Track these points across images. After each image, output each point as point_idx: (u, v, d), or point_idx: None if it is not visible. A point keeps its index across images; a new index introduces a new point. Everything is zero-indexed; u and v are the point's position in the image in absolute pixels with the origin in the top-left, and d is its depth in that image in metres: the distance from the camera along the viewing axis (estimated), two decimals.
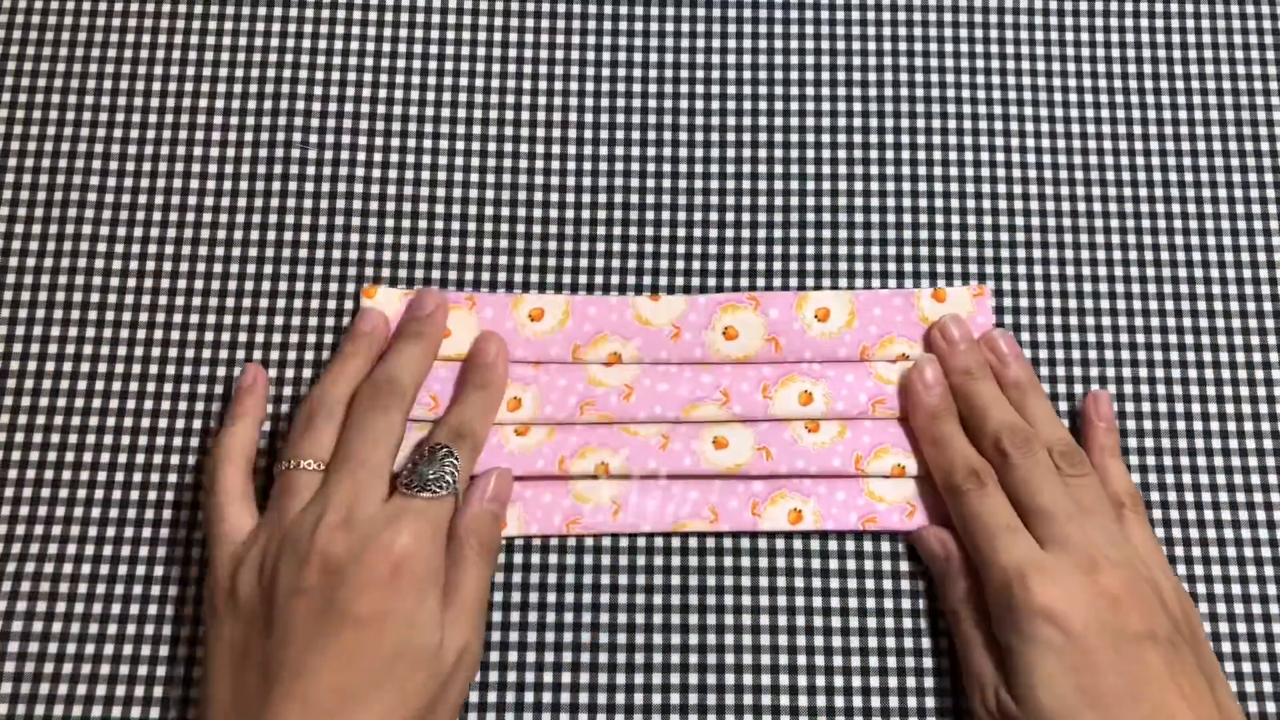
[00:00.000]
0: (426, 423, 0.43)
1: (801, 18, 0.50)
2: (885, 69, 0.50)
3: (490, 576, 0.40)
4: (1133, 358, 0.46)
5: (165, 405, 0.45)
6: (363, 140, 0.48)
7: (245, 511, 0.40)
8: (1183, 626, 0.39)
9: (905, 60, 0.50)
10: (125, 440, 0.44)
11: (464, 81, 0.49)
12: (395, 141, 0.48)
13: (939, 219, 0.48)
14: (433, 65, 0.49)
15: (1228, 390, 0.46)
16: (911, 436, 0.44)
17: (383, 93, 0.49)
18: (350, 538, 0.37)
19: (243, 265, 0.46)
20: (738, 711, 0.42)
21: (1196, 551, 0.44)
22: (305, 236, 0.47)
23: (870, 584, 0.43)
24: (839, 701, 0.42)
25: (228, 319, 0.46)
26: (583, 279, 0.47)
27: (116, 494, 0.44)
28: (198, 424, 0.45)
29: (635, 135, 0.49)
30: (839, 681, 0.42)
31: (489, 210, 0.48)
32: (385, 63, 0.49)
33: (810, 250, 0.47)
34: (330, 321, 0.46)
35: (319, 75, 0.49)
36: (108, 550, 0.43)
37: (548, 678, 0.42)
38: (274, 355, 0.45)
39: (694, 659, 0.42)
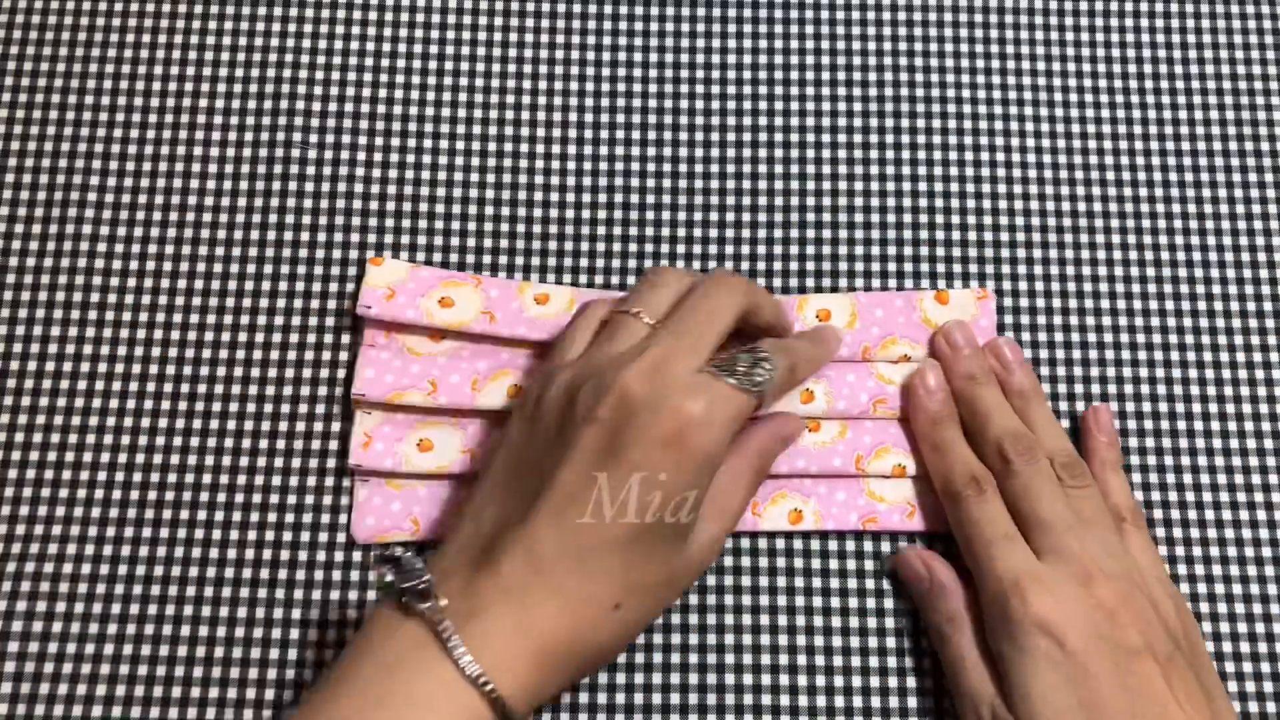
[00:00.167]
0: (426, 410, 0.43)
1: (801, 18, 0.50)
2: (885, 69, 0.50)
3: (748, 502, 0.41)
4: (1133, 359, 0.46)
5: (165, 405, 0.45)
6: (363, 140, 0.48)
7: (584, 342, 0.41)
8: (1181, 641, 0.39)
9: (905, 60, 0.50)
10: (125, 440, 0.44)
11: (464, 81, 0.49)
12: (395, 141, 0.48)
13: (939, 219, 0.48)
14: (433, 65, 0.49)
15: (1228, 391, 0.46)
16: (912, 437, 0.44)
17: (383, 93, 0.49)
18: (652, 386, 0.37)
19: (243, 265, 0.46)
20: (738, 712, 0.42)
21: (1197, 552, 0.44)
22: (305, 236, 0.47)
23: (870, 584, 0.43)
24: (839, 701, 0.42)
25: (228, 319, 0.46)
26: (583, 279, 0.47)
27: (116, 494, 0.44)
28: (197, 424, 0.45)
29: (635, 135, 0.49)
30: (839, 681, 0.42)
31: (489, 210, 0.48)
32: (385, 63, 0.49)
33: (810, 250, 0.47)
34: (330, 321, 0.46)
35: (319, 75, 0.49)
36: (108, 550, 0.43)
37: None
38: (274, 355, 0.45)
39: (694, 659, 0.42)
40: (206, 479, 0.44)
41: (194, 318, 0.46)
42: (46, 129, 0.48)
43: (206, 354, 0.45)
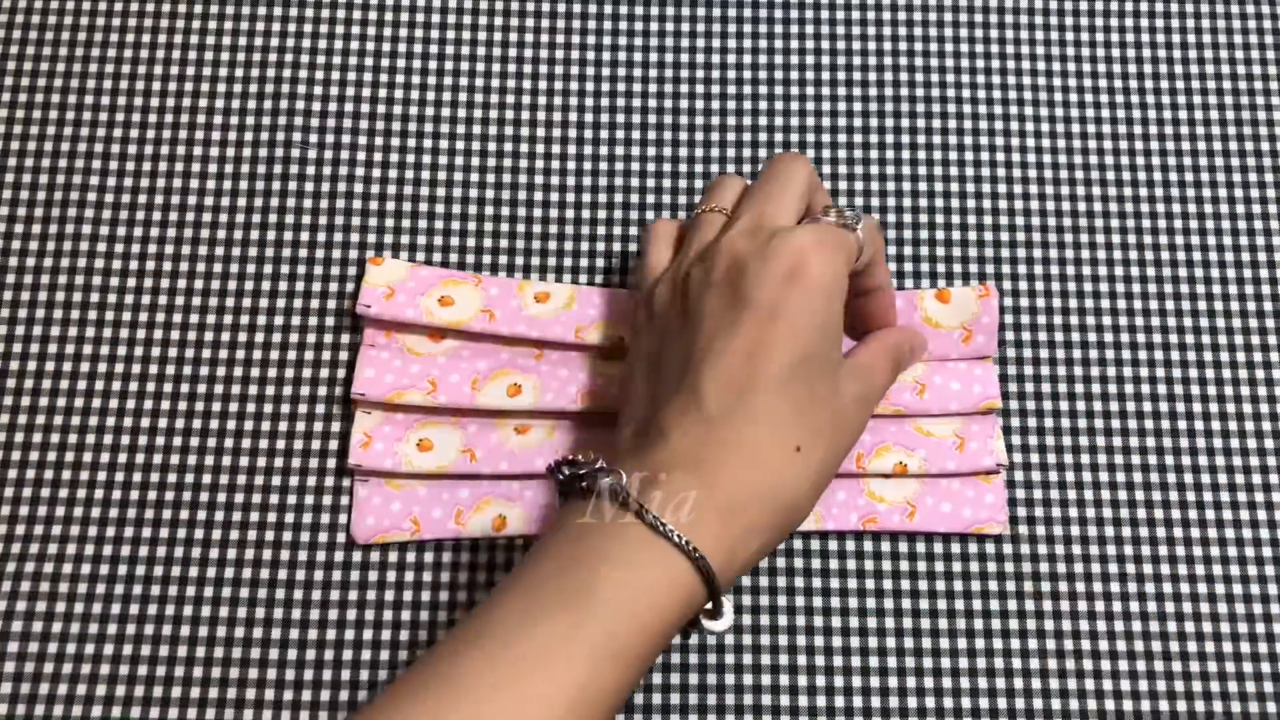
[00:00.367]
0: (425, 410, 0.44)
1: (801, 18, 0.50)
2: (885, 69, 0.50)
3: (888, 381, 0.41)
4: (1133, 358, 0.46)
5: (165, 405, 0.45)
6: (362, 140, 0.48)
7: (666, 255, 0.42)
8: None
9: (905, 60, 0.50)
10: (125, 440, 0.44)
11: (464, 81, 0.49)
12: (395, 141, 0.48)
13: (939, 219, 0.48)
14: (433, 65, 0.49)
15: (1228, 391, 0.46)
16: (912, 435, 0.44)
17: (383, 93, 0.49)
18: (756, 240, 0.38)
19: (242, 265, 0.46)
20: (738, 712, 0.42)
21: (1198, 552, 0.44)
22: (305, 236, 0.47)
23: (870, 584, 0.43)
24: (839, 701, 0.42)
25: (227, 319, 0.46)
26: (583, 279, 0.47)
27: (116, 494, 0.44)
28: (197, 424, 0.45)
29: (635, 135, 0.49)
30: (839, 682, 0.42)
31: (489, 210, 0.48)
32: (385, 63, 0.49)
33: None
34: (330, 321, 0.46)
35: (319, 75, 0.49)
36: (108, 550, 0.43)
37: None
38: (274, 355, 0.45)
39: (694, 659, 0.42)
40: (206, 479, 0.44)
41: (194, 318, 0.46)
42: (46, 129, 0.48)
43: (206, 354, 0.45)
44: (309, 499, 0.44)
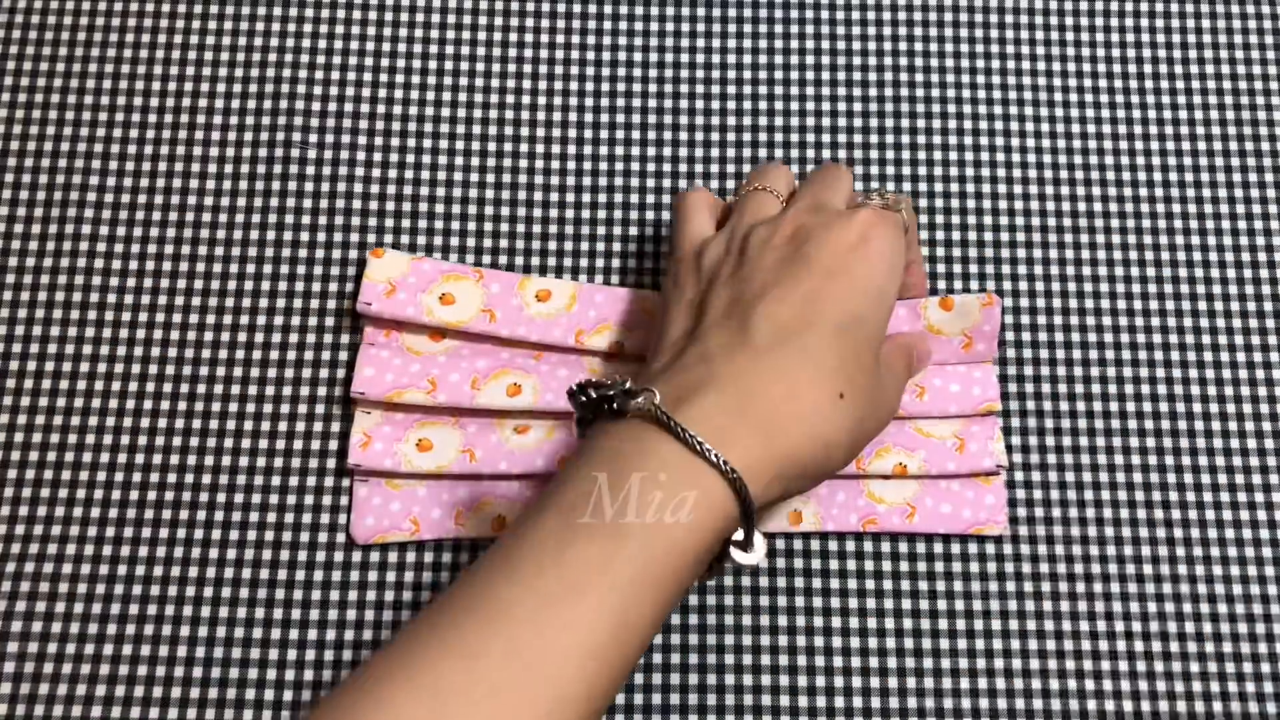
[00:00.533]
0: (425, 409, 0.44)
1: (801, 18, 0.50)
2: (885, 69, 0.50)
3: (905, 379, 0.42)
4: (1133, 358, 0.46)
5: (165, 405, 0.45)
6: (363, 140, 0.48)
7: (709, 223, 0.42)
8: None
9: (905, 60, 0.50)
10: (125, 440, 0.44)
11: (464, 81, 0.49)
12: (395, 141, 0.48)
13: (939, 219, 0.48)
14: (433, 65, 0.49)
15: (1228, 390, 0.46)
16: (912, 436, 0.44)
17: (383, 92, 0.49)
18: (819, 217, 0.38)
19: (242, 265, 0.46)
20: (738, 712, 0.42)
21: (1198, 552, 0.44)
22: (305, 236, 0.47)
23: (870, 584, 0.43)
24: (839, 702, 0.42)
25: (227, 319, 0.46)
26: (583, 279, 0.47)
27: (116, 494, 0.44)
28: (197, 424, 0.45)
29: (635, 135, 0.49)
30: (839, 682, 0.42)
31: (489, 210, 0.48)
32: (385, 63, 0.49)
33: None
34: (330, 321, 0.46)
35: (319, 75, 0.49)
36: (108, 550, 0.43)
37: None
38: (274, 355, 0.45)
39: (694, 659, 0.42)
40: (206, 479, 0.44)
41: (194, 317, 0.46)
42: (46, 129, 0.48)
43: (206, 354, 0.45)
44: (309, 499, 0.44)
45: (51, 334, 0.45)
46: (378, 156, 0.48)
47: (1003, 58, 0.50)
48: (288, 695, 0.42)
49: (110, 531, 0.43)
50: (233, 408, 0.45)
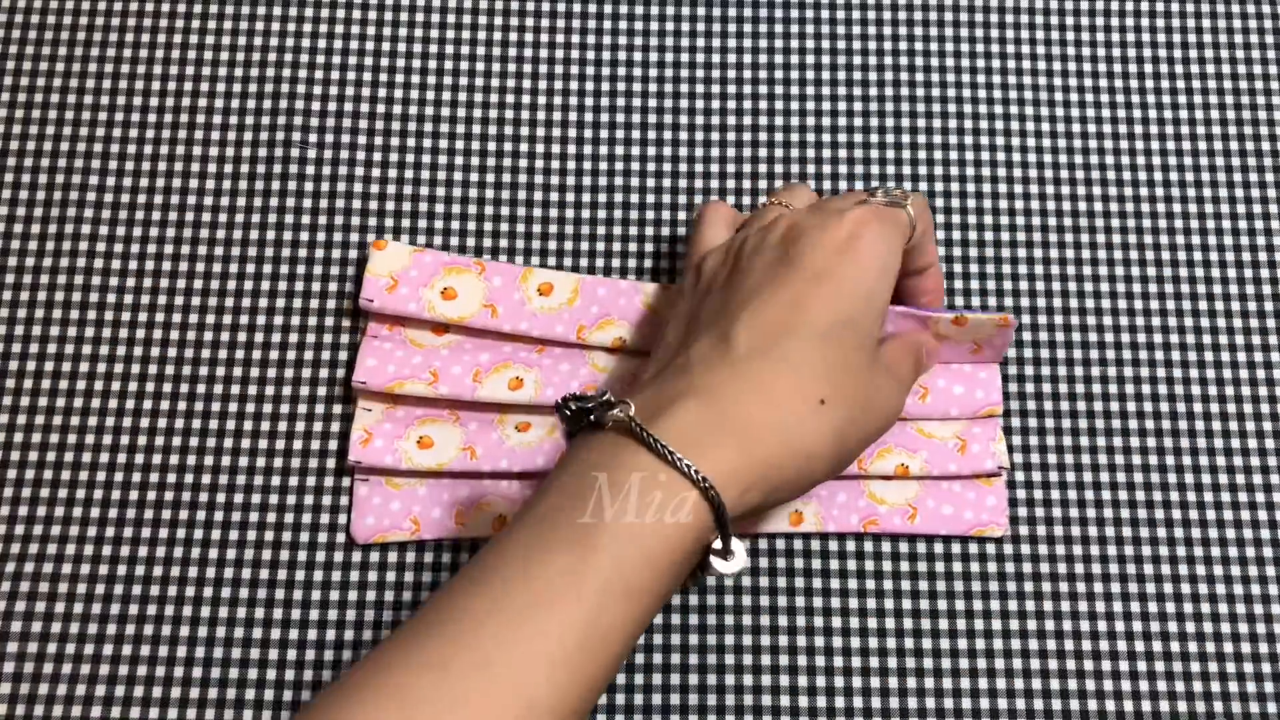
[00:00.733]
0: (426, 402, 0.44)
1: (801, 17, 0.50)
2: (885, 69, 0.50)
3: (913, 378, 0.41)
4: (1133, 358, 0.46)
5: (165, 404, 0.45)
6: (363, 139, 0.48)
7: (721, 235, 0.42)
8: None
9: (905, 60, 0.50)
10: (125, 438, 0.44)
11: (464, 81, 0.49)
12: (395, 141, 0.48)
13: (939, 219, 0.48)
14: (433, 65, 0.49)
15: (1228, 390, 0.46)
16: (914, 437, 0.44)
17: (382, 92, 0.49)
18: (814, 216, 0.38)
19: (243, 264, 0.46)
20: (738, 712, 0.42)
21: (1198, 552, 0.44)
22: (305, 236, 0.47)
23: (870, 584, 0.43)
24: (839, 702, 0.42)
25: (227, 319, 0.46)
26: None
27: (116, 493, 0.44)
28: (197, 423, 0.45)
29: (635, 135, 0.49)
30: (839, 682, 0.42)
31: (489, 210, 0.48)
32: (385, 62, 0.49)
33: None
34: (330, 321, 0.46)
35: (319, 75, 0.49)
36: (107, 550, 0.43)
37: None
38: (274, 355, 0.45)
39: (694, 659, 0.42)
40: (206, 478, 0.44)
41: (194, 316, 0.46)
42: (46, 129, 0.48)
43: (206, 353, 0.45)
44: (309, 498, 0.44)
45: (51, 333, 0.45)
46: (378, 156, 0.48)
47: (1003, 58, 0.50)
48: (288, 695, 0.42)
49: (110, 531, 0.43)
50: (233, 407, 0.45)
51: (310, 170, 0.48)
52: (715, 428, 0.34)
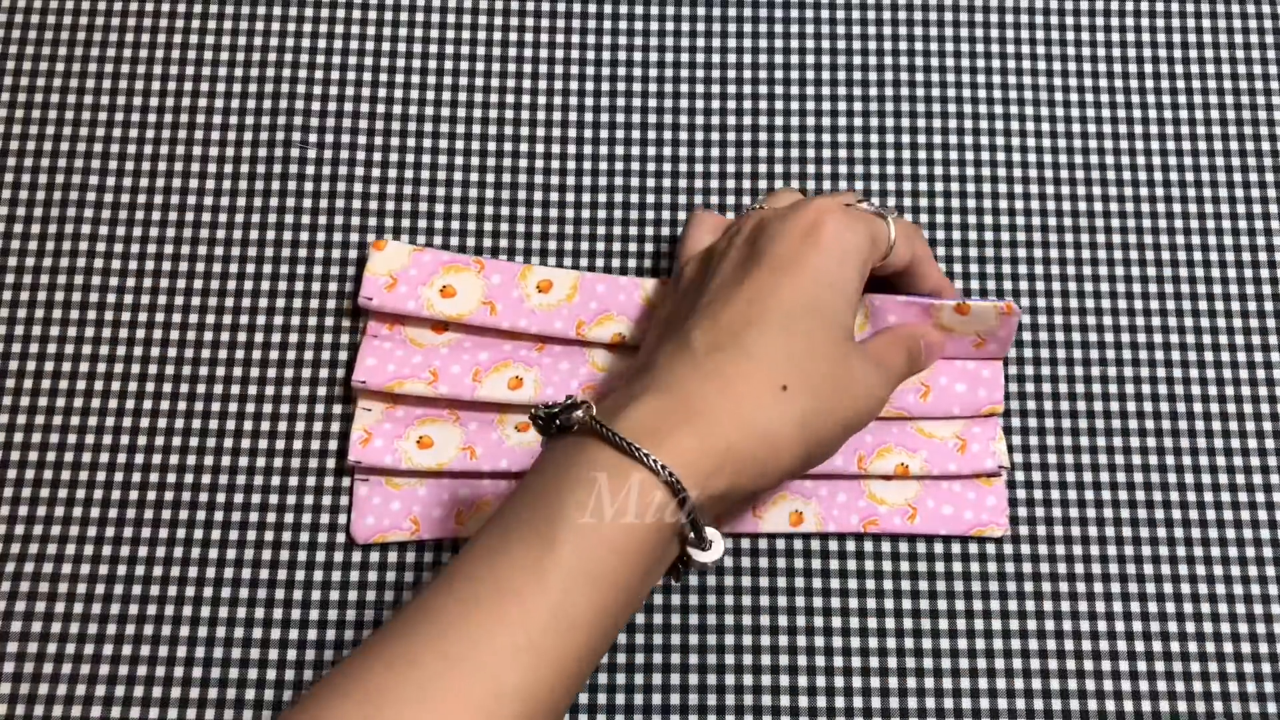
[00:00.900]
0: (426, 401, 0.44)
1: (801, 17, 0.50)
2: (885, 69, 0.50)
3: (903, 371, 0.42)
4: (1133, 358, 0.46)
5: (165, 404, 0.45)
6: (363, 139, 0.48)
7: (707, 238, 0.43)
8: None
9: (905, 60, 0.50)
10: (125, 440, 0.44)
11: (464, 81, 0.49)
12: (395, 141, 0.48)
13: (939, 219, 0.48)
14: (433, 65, 0.49)
15: (1228, 390, 0.46)
16: (914, 437, 0.44)
17: (382, 92, 0.49)
18: (782, 211, 0.39)
19: (243, 264, 0.46)
20: (738, 712, 0.42)
21: (1198, 552, 0.44)
22: (305, 235, 0.47)
23: (870, 584, 0.43)
24: (839, 702, 0.42)
25: (227, 319, 0.46)
26: None
27: (116, 493, 0.44)
28: (197, 424, 0.45)
29: (635, 135, 0.49)
30: (839, 682, 0.42)
31: (489, 210, 0.48)
32: (385, 62, 0.49)
33: None
34: (330, 321, 0.46)
35: (319, 75, 0.49)
36: (107, 550, 0.43)
37: None
38: (274, 355, 0.45)
39: (694, 659, 0.42)
40: (206, 478, 0.44)
41: (194, 316, 0.46)
42: (46, 129, 0.48)
43: (206, 352, 0.45)
44: (308, 498, 0.44)
45: (51, 333, 0.45)
46: (378, 156, 0.48)
47: (1003, 58, 0.50)
48: (287, 695, 0.42)
49: (110, 531, 0.43)
50: (233, 407, 0.45)
51: (310, 170, 0.48)
52: (673, 416, 0.34)
